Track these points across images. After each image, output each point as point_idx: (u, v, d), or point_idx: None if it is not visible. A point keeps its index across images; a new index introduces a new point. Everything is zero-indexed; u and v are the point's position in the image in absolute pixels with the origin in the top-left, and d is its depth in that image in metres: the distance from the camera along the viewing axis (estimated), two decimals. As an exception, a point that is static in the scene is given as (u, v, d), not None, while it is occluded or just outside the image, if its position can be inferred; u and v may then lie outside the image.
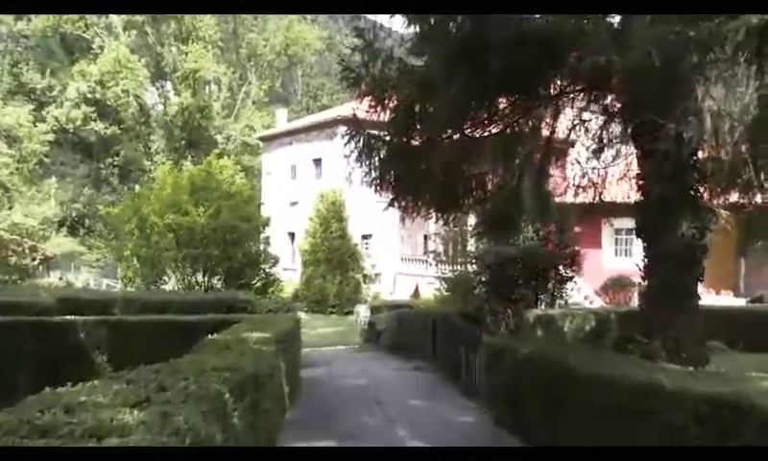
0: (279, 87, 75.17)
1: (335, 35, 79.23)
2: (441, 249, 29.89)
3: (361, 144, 10.93)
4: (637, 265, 10.73)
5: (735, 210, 13.54)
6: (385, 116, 10.67)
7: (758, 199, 13.17)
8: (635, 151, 10.40)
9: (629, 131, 9.41)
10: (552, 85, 10.07)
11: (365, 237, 40.17)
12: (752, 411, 4.61)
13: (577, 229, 19.45)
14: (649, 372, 6.32)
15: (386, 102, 10.39)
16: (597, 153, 11.35)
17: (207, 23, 63.58)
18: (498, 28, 7.79)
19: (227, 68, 65.99)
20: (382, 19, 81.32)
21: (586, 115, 11.30)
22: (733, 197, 12.17)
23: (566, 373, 7.63)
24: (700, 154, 9.94)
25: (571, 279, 18.97)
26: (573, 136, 12.08)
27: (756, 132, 9.01)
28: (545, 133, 11.86)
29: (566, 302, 19.21)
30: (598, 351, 10.75)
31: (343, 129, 11.54)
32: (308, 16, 76.19)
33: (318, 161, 41.64)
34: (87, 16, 58.83)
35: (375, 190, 11.74)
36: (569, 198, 13.75)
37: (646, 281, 10.24)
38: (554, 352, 8.92)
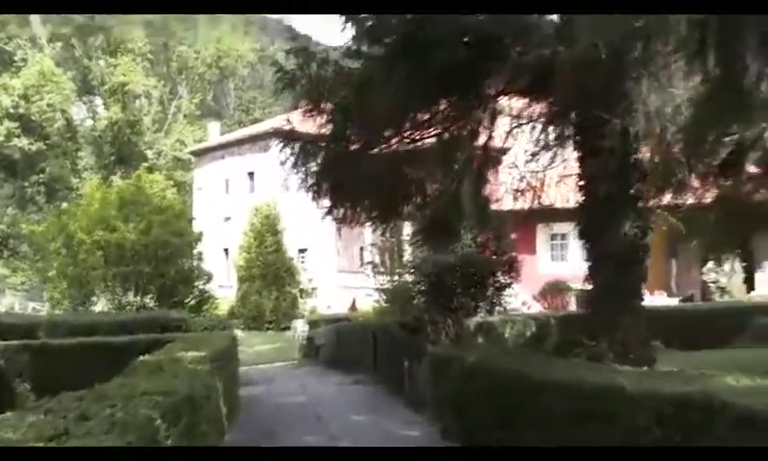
0: (211, 101, 73.92)
1: (267, 47, 78.40)
2: (377, 260, 29.67)
3: (297, 150, 10.56)
4: (582, 267, 10.67)
5: (669, 211, 13.71)
6: (322, 120, 10.35)
7: (690, 200, 13.37)
8: (575, 152, 10.32)
9: (570, 131, 9.30)
10: (493, 84, 9.88)
11: (301, 251, 39.64)
12: (724, 409, 4.41)
13: (513, 235, 19.47)
14: (606, 374, 6.14)
15: (322, 105, 10.06)
16: (536, 155, 11.26)
17: (136, 35, 62.08)
18: (440, 23, 7.56)
19: (157, 81, 64.44)
20: (316, 30, 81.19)
21: (525, 117, 11.18)
22: (666, 198, 12.28)
23: (519, 380, 7.39)
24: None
25: (510, 285, 18.93)
26: (511, 140, 11.97)
27: (688, 132, 9.06)
28: (483, 137, 11.72)
29: (505, 308, 19.16)
30: (549, 356, 10.61)
31: (277, 141, 11.15)
32: (240, 28, 75.33)
33: (251, 175, 40.96)
34: (8, 27, 56.59)
35: (313, 198, 11.36)
36: (509, 203, 13.64)
37: (590, 283, 10.16)
38: (503, 360, 8.71)
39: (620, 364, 8.13)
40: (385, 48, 8.97)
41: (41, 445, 3.87)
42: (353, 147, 10.62)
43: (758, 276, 25.89)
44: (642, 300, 9.94)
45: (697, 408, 4.59)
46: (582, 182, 10.08)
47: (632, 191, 9.52)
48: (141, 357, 9.16)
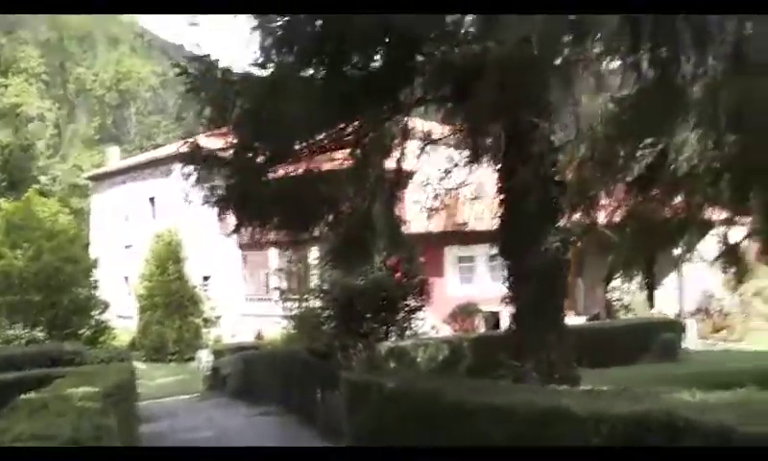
0: (111, 126, 71.35)
1: (168, 71, 76.31)
2: (284, 285, 29.05)
3: (200, 164, 9.83)
4: (491, 289, 10.43)
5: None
6: (228, 132, 9.70)
7: (601, 218, 13.42)
8: (496, 164, 10.01)
9: (490, 142, 9.00)
10: (412, 93, 9.43)
11: (204, 279, 38.32)
12: (690, 426, 4.03)
13: (421, 258, 19.30)
14: (546, 395, 5.73)
15: (227, 115, 9.39)
16: (450, 172, 10.98)
17: (30, 55, 59.33)
18: (357, 24, 7.08)
19: (52, 104, 61.66)
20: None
21: (439, 135, 10.88)
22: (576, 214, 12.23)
23: (449, 405, 6.89)
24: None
25: (421, 308, 18.73)
26: (425, 158, 11.67)
27: (600, 148, 8.96)
28: (396, 154, 11.34)
29: (416, 332, 18.92)
30: (479, 379, 10.20)
31: (179, 165, 10.40)
32: (139, 49, 73.39)
33: (152, 200, 39.47)
34: None
35: (218, 216, 10.62)
36: (418, 225, 13.35)
37: (511, 303, 9.85)
38: (428, 384, 8.22)
39: (545, 384, 7.84)
40: (295, 55, 8.45)
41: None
42: (262, 158, 10.01)
43: (659, 293, 26.73)
44: (565, 316, 9.72)
45: (658, 427, 4.21)
46: (503, 196, 9.76)
47: (552, 204, 9.31)
48: (23, 395, 8.22)
